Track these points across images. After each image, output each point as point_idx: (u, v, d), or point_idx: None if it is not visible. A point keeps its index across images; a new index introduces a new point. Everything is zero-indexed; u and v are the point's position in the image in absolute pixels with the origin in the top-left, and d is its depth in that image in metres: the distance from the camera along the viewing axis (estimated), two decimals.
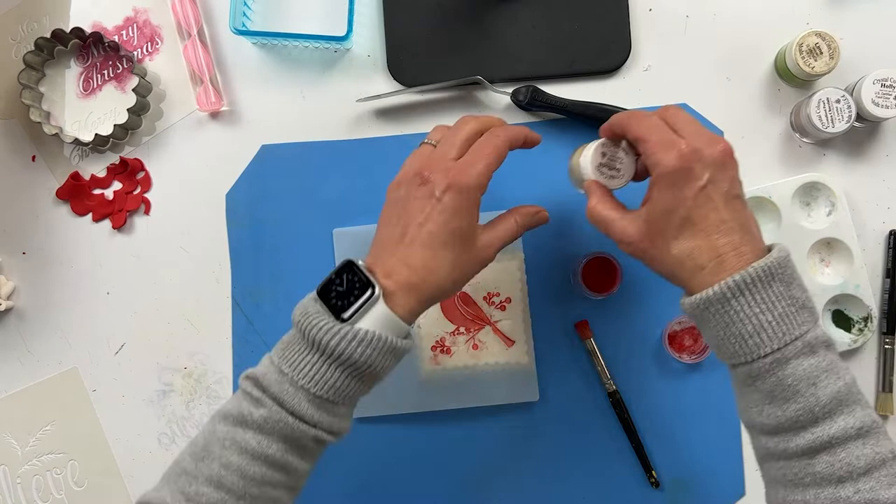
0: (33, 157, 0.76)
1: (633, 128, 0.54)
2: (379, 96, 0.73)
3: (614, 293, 0.71)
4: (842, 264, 0.72)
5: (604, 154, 0.58)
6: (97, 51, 0.76)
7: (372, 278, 0.52)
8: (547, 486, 0.73)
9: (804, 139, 0.74)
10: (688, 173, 0.50)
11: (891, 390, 0.72)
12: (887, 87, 0.68)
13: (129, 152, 0.76)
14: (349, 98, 0.74)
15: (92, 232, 0.75)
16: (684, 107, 0.73)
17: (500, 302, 0.72)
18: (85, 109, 0.76)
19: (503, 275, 0.72)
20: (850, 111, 0.68)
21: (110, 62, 0.76)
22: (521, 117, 0.74)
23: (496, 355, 0.71)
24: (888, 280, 0.72)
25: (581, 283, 0.70)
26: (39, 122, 0.73)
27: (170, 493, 0.50)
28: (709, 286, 0.49)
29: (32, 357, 0.75)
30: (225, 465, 0.50)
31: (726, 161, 0.51)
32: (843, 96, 0.68)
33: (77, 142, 0.74)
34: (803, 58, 0.69)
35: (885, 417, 0.72)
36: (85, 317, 0.75)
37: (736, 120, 0.74)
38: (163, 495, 0.50)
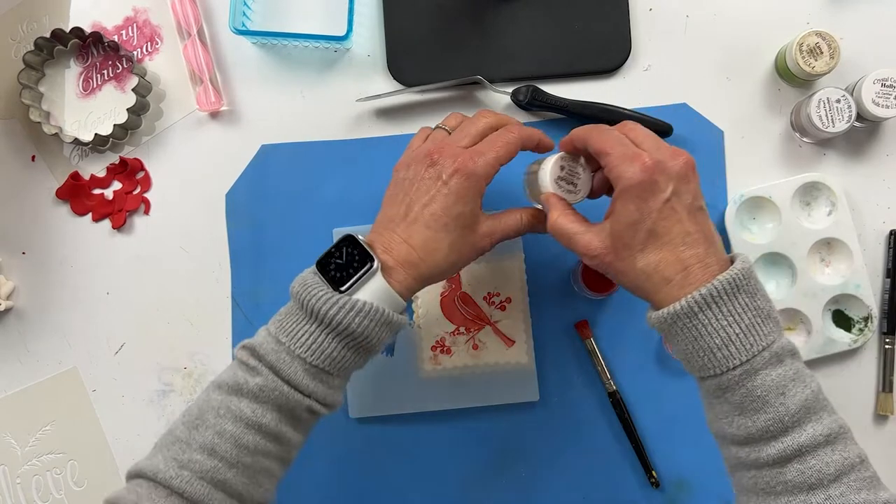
0: (33, 157, 0.76)
1: (594, 141, 0.54)
2: (379, 96, 0.73)
3: (614, 293, 0.71)
4: (842, 264, 0.72)
5: (562, 168, 0.57)
6: (97, 50, 0.76)
7: (371, 252, 0.53)
8: (547, 486, 0.73)
9: (804, 139, 0.74)
10: (652, 186, 0.50)
11: (891, 390, 0.72)
12: (887, 86, 0.68)
13: (128, 152, 0.76)
14: (349, 98, 0.74)
15: (92, 232, 0.75)
16: (684, 107, 0.74)
17: (500, 302, 0.72)
18: (85, 109, 0.76)
19: (503, 275, 0.72)
20: (850, 111, 0.68)
21: (110, 62, 0.76)
22: (521, 117, 0.74)
23: (496, 355, 0.71)
24: (888, 280, 0.72)
25: (581, 283, 0.70)
26: (39, 122, 0.73)
27: (163, 459, 0.50)
28: (676, 299, 0.49)
29: (32, 357, 0.75)
30: (219, 432, 0.51)
31: (688, 173, 0.51)
32: (844, 96, 0.68)
33: (77, 142, 0.74)
34: (803, 57, 0.69)
35: (885, 417, 0.73)
36: (85, 317, 0.75)
37: (736, 120, 0.74)
38: (155, 462, 0.50)
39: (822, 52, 0.69)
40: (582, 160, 0.58)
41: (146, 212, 0.75)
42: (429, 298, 0.72)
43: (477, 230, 0.56)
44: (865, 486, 0.46)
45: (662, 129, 0.72)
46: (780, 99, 0.74)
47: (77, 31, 0.74)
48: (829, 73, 0.69)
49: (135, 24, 0.76)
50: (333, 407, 0.55)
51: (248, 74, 0.76)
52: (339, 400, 0.55)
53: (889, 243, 0.73)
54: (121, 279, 0.75)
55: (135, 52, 0.75)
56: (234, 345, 0.74)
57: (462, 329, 0.72)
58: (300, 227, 0.74)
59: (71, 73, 0.76)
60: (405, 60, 0.74)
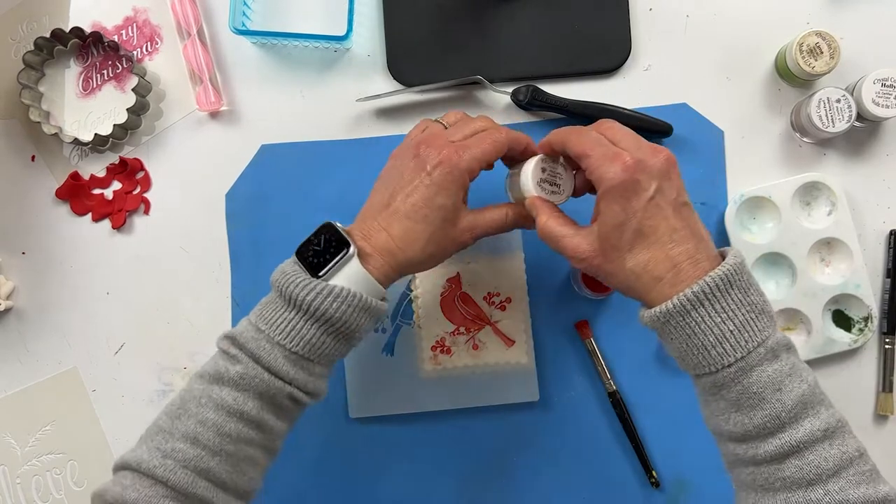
0: (33, 157, 0.76)
1: (573, 145, 0.54)
2: (379, 96, 0.73)
3: (614, 293, 0.71)
4: (842, 264, 0.72)
5: (543, 170, 0.57)
6: (97, 50, 0.76)
7: (348, 238, 0.53)
8: (547, 485, 0.73)
9: (804, 139, 0.74)
10: (635, 185, 0.50)
11: (891, 390, 0.72)
12: (888, 86, 0.68)
13: (128, 152, 0.76)
14: (349, 98, 0.74)
15: (91, 232, 0.75)
16: (684, 107, 0.73)
17: (500, 302, 0.72)
18: (84, 109, 0.76)
19: (503, 275, 0.72)
20: (850, 111, 0.68)
21: (110, 62, 0.76)
22: (521, 117, 0.74)
23: (496, 355, 0.71)
24: (888, 280, 0.72)
25: (581, 283, 0.70)
26: (39, 122, 0.73)
27: (146, 450, 0.51)
28: (667, 298, 0.49)
29: (32, 357, 0.75)
30: (201, 421, 0.51)
31: (670, 169, 0.51)
32: (844, 96, 0.68)
33: (76, 141, 0.74)
34: (804, 57, 0.69)
35: (885, 417, 0.73)
36: (85, 317, 0.75)
37: (736, 120, 0.74)
38: (139, 453, 0.51)
39: (822, 52, 0.69)
40: (562, 160, 0.58)
41: (146, 212, 0.75)
42: (429, 298, 0.72)
43: (458, 224, 0.56)
44: (864, 480, 0.46)
45: (662, 129, 0.72)
46: (780, 99, 0.74)
47: (77, 31, 0.74)
48: (829, 73, 0.69)
49: (135, 24, 0.76)
50: (317, 395, 0.55)
51: (248, 74, 0.75)
52: (322, 388, 0.55)
53: (889, 243, 0.73)
54: (121, 279, 0.75)
55: (135, 52, 0.75)
56: None
57: (462, 329, 0.72)
58: (300, 227, 0.72)
59: (71, 73, 0.76)
60: (405, 60, 0.74)
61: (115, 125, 0.73)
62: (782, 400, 0.47)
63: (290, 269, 0.53)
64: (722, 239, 0.72)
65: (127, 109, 0.72)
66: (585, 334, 0.72)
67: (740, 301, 0.48)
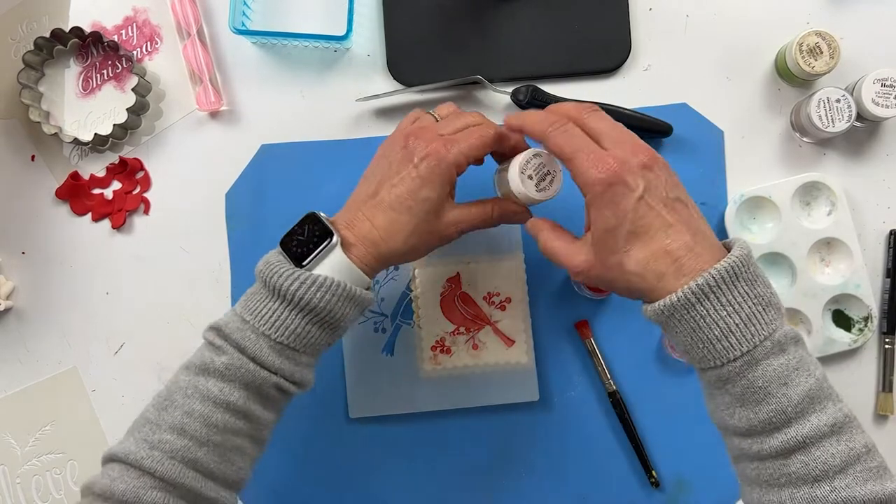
0: (32, 157, 0.76)
1: (553, 145, 0.52)
2: (379, 96, 0.73)
3: (614, 293, 0.71)
4: (842, 264, 0.72)
5: (531, 165, 0.56)
6: (96, 50, 0.76)
7: (332, 227, 0.54)
8: (547, 485, 0.73)
9: (804, 139, 0.74)
10: (622, 188, 0.49)
11: (891, 390, 0.72)
12: (887, 86, 0.68)
13: (128, 152, 0.76)
14: (349, 98, 0.74)
15: (91, 232, 0.75)
16: (684, 107, 0.73)
17: (500, 302, 0.72)
18: (84, 109, 0.76)
19: (503, 275, 0.72)
20: (850, 111, 0.68)
21: (110, 62, 0.76)
22: None
23: (496, 355, 0.71)
24: (888, 280, 0.72)
25: (581, 283, 0.70)
26: (39, 122, 0.73)
27: (134, 441, 0.51)
28: (672, 291, 0.48)
29: (32, 357, 0.75)
30: (188, 412, 0.51)
31: (655, 166, 0.50)
32: (844, 96, 0.68)
33: (76, 141, 0.74)
34: (803, 57, 0.69)
35: (885, 417, 0.73)
36: (85, 317, 0.75)
37: (736, 120, 0.74)
38: (127, 445, 0.51)
39: (822, 52, 0.69)
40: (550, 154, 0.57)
41: (146, 212, 0.75)
42: (429, 298, 0.72)
43: (443, 217, 0.56)
44: (872, 476, 0.45)
45: (662, 129, 0.72)
46: (780, 99, 0.74)
47: (77, 31, 0.74)
48: (829, 73, 0.69)
49: (134, 24, 0.76)
50: (303, 385, 0.55)
51: (248, 74, 0.75)
52: (308, 378, 0.56)
53: (889, 243, 0.73)
54: (121, 279, 0.75)
55: (134, 52, 0.75)
56: None
57: (462, 329, 0.72)
58: None
59: (71, 73, 0.76)
60: (405, 60, 0.74)
61: (114, 125, 0.73)
62: (788, 395, 0.46)
63: (273, 260, 0.54)
64: (722, 239, 0.72)
65: (127, 109, 0.72)
66: (585, 334, 0.73)
67: (747, 293, 0.47)
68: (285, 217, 0.76)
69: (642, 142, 0.51)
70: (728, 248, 0.50)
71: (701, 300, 0.47)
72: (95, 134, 0.73)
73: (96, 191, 0.75)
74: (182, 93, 0.75)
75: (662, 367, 0.73)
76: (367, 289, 0.56)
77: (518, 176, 0.56)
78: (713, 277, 0.47)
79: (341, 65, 0.75)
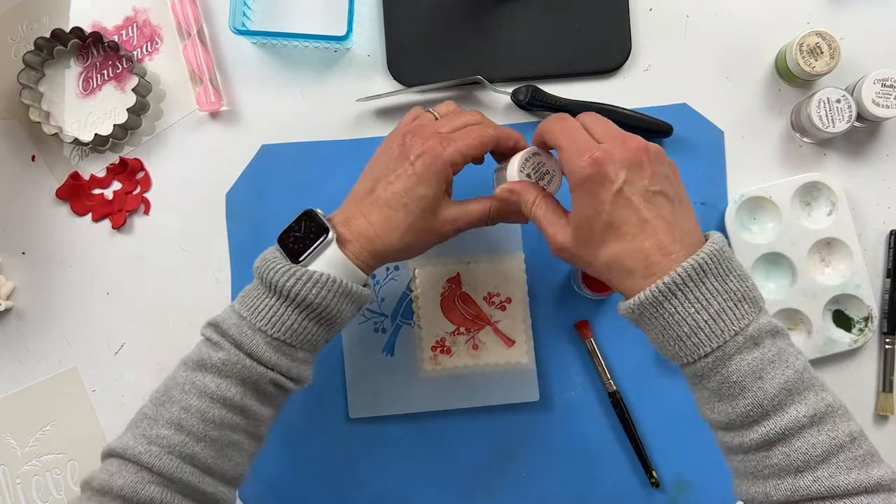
0: (33, 157, 0.76)
1: (549, 136, 0.54)
2: (379, 96, 0.73)
3: (614, 294, 0.71)
4: (842, 264, 0.72)
5: (530, 164, 0.57)
6: (97, 50, 0.76)
7: (328, 223, 0.54)
8: (547, 485, 0.73)
9: (804, 139, 0.74)
10: (601, 178, 0.49)
11: (891, 390, 0.72)
12: (888, 86, 0.68)
13: (128, 152, 0.76)
14: (349, 98, 0.74)
15: (91, 232, 0.75)
16: (684, 107, 0.73)
17: (500, 302, 0.72)
18: (84, 109, 0.76)
19: (503, 275, 0.72)
20: (850, 111, 0.68)
21: (110, 62, 0.76)
22: (521, 117, 0.74)
23: (496, 355, 0.71)
24: (888, 280, 0.72)
25: (581, 283, 0.70)
26: (39, 122, 0.73)
27: (132, 437, 0.52)
28: (641, 290, 0.48)
29: (32, 357, 0.75)
30: (185, 408, 0.51)
31: (641, 159, 0.50)
32: (844, 96, 0.68)
33: (77, 142, 0.74)
34: (804, 57, 0.69)
35: (885, 417, 0.73)
36: (85, 317, 0.75)
37: (736, 120, 0.74)
38: (125, 440, 0.52)
39: (822, 52, 0.69)
40: (552, 153, 0.57)
41: (146, 212, 0.75)
42: (429, 298, 0.72)
43: (439, 215, 0.56)
44: (857, 465, 0.45)
45: (662, 129, 0.72)
46: (780, 99, 0.74)
47: (77, 31, 0.74)
48: (829, 73, 0.69)
49: (135, 24, 0.76)
50: (301, 381, 0.56)
51: (248, 74, 0.75)
52: (306, 374, 0.56)
53: (889, 243, 0.73)
54: (121, 279, 0.75)
55: (135, 52, 0.75)
56: None
57: (462, 329, 0.72)
58: None
59: (71, 73, 0.76)
60: (405, 60, 0.74)
61: (115, 125, 0.73)
62: (764, 388, 0.46)
63: (270, 256, 0.54)
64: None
65: (127, 109, 0.72)
66: (585, 334, 0.72)
67: (716, 289, 0.47)
68: (285, 217, 0.76)
69: (638, 139, 0.51)
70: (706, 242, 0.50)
71: (668, 298, 0.47)
72: (96, 134, 0.73)
73: (96, 191, 0.75)
74: (182, 93, 0.75)
75: (662, 367, 0.73)
76: (365, 285, 0.56)
77: (517, 174, 0.56)
78: (679, 275, 0.47)
79: (341, 65, 0.75)
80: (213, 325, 0.54)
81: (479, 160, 0.59)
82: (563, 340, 0.73)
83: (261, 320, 0.53)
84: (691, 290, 0.47)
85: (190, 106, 0.75)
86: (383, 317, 0.73)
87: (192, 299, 0.74)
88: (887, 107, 0.68)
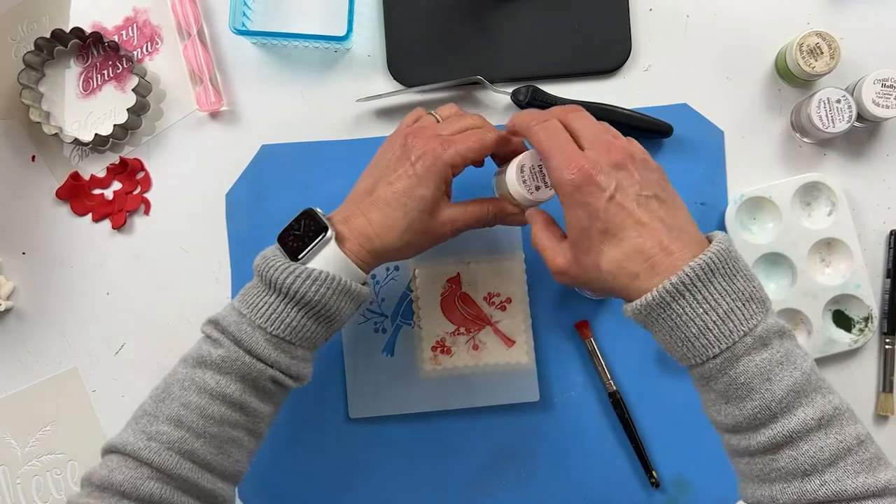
0: (33, 157, 0.76)
1: (535, 140, 0.54)
2: (379, 96, 0.73)
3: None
4: (842, 264, 0.72)
5: (529, 168, 0.57)
6: (97, 51, 0.76)
7: (327, 222, 0.54)
8: (547, 485, 0.73)
9: (805, 139, 0.74)
10: (591, 188, 0.49)
11: (891, 390, 0.72)
12: (888, 86, 0.68)
13: (128, 152, 0.76)
14: (349, 98, 0.74)
15: (92, 232, 0.75)
16: (684, 107, 0.73)
17: (501, 302, 0.72)
18: (85, 109, 0.76)
19: (503, 275, 0.72)
20: (850, 111, 0.68)
21: (110, 62, 0.76)
22: None
23: (496, 355, 0.71)
24: (888, 280, 0.72)
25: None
26: (39, 122, 0.73)
27: (132, 433, 0.52)
28: (647, 291, 0.48)
29: (32, 357, 0.75)
30: (185, 404, 0.52)
31: (627, 164, 0.50)
32: (844, 96, 0.68)
33: (77, 142, 0.74)
34: (804, 58, 0.69)
35: (885, 417, 0.73)
36: (85, 317, 0.75)
37: (736, 120, 0.74)
38: (125, 436, 0.52)
39: (822, 52, 0.69)
40: None
41: (146, 212, 0.75)
42: (429, 298, 0.72)
43: (438, 216, 0.57)
44: (864, 468, 0.45)
45: (662, 130, 0.72)
46: (780, 99, 0.74)
47: (77, 32, 0.74)
48: (829, 73, 0.69)
49: (135, 24, 0.76)
50: (300, 379, 0.56)
51: (248, 74, 0.75)
52: (305, 372, 0.56)
53: (889, 243, 0.73)
54: (121, 279, 0.75)
55: (135, 52, 0.75)
56: None
57: (462, 329, 0.72)
58: None
59: (71, 74, 0.76)
60: (405, 60, 0.74)
61: (115, 125, 0.73)
62: (772, 390, 0.46)
63: (270, 254, 0.54)
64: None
65: (127, 109, 0.72)
66: (585, 334, 0.72)
67: (724, 289, 0.47)
68: (285, 217, 0.76)
69: (621, 141, 0.52)
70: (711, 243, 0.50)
71: (676, 298, 0.47)
72: (96, 134, 0.73)
73: (97, 191, 0.75)
74: (182, 93, 0.75)
75: (663, 367, 0.73)
76: (364, 284, 0.56)
77: (516, 178, 0.57)
78: (687, 275, 0.46)
79: (341, 65, 0.75)
80: (213, 322, 0.55)
81: (479, 163, 0.59)
82: (563, 340, 0.73)
83: (260, 317, 0.53)
84: (699, 291, 0.47)
85: (190, 106, 0.75)
86: (383, 317, 0.73)
87: (192, 299, 0.74)
88: (887, 107, 0.68)
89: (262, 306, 0.53)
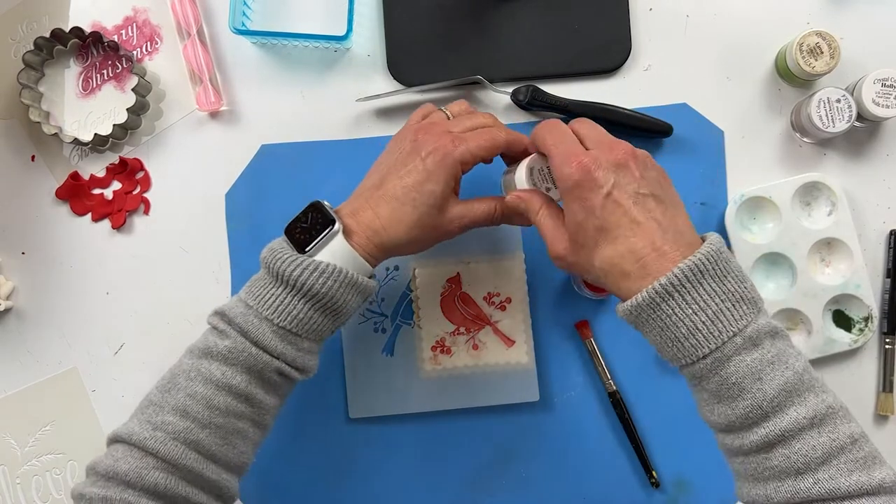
0: (33, 157, 0.76)
1: (541, 142, 0.55)
2: (379, 96, 0.73)
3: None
4: (842, 264, 0.72)
5: (537, 169, 0.57)
6: (97, 50, 0.76)
7: (334, 215, 0.55)
8: (547, 486, 0.73)
9: (805, 139, 0.74)
10: (590, 183, 0.50)
11: (891, 390, 0.72)
12: (888, 86, 0.68)
13: (128, 152, 0.76)
14: (349, 98, 0.74)
15: (91, 232, 0.75)
16: (684, 107, 0.73)
17: (500, 302, 0.72)
18: (84, 109, 0.76)
19: (503, 275, 0.72)
20: (850, 111, 0.68)
21: (110, 62, 0.76)
22: (522, 117, 0.74)
23: (496, 355, 0.71)
24: (888, 280, 0.72)
25: (581, 283, 0.70)
26: (39, 122, 0.73)
27: (137, 423, 0.52)
28: (637, 292, 0.48)
29: (32, 357, 0.75)
30: (190, 394, 0.52)
31: (629, 162, 0.51)
32: (844, 96, 0.68)
33: (76, 141, 0.74)
34: (804, 57, 0.69)
35: (885, 417, 0.73)
36: (85, 317, 0.75)
37: (736, 120, 0.74)
38: (131, 426, 0.52)
39: (822, 52, 0.69)
40: None
41: (146, 212, 0.75)
42: (429, 298, 0.72)
43: (446, 212, 0.57)
44: (858, 467, 0.45)
45: (662, 130, 0.72)
46: (780, 99, 0.74)
47: (77, 31, 0.74)
48: (829, 73, 0.69)
49: (134, 24, 0.76)
50: (306, 371, 0.56)
51: (248, 74, 0.75)
52: (310, 364, 0.56)
53: (889, 243, 0.73)
54: (121, 279, 0.75)
55: (134, 52, 0.75)
56: None
57: (462, 329, 0.72)
58: None
59: (71, 73, 0.76)
60: (405, 60, 0.74)
61: (114, 125, 0.73)
62: (763, 389, 0.46)
63: (277, 247, 0.55)
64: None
65: (127, 109, 0.72)
66: (585, 334, 0.72)
67: (714, 290, 0.47)
68: (285, 217, 0.76)
69: (624, 143, 0.52)
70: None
71: (665, 299, 0.47)
72: (95, 134, 0.73)
73: (96, 191, 0.75)
74: (182, 93, 0.75)
75: (663, 367, 0.73)
76: (371, 277, 0.56)
77: (525, 178, 0.57)
78: (676, 277, 0.47)
79: (341, 65, 0.75)
80: (220, 313, 0.55)
81: (488, 161, 0.59)
82: (563, 340, 0.73)
83: (267, 309, 0.53)
84: (688, 292, 0.47)
85: (190, 106, 0.75)
86: (383, 317, 0.73)
87: (191, 299, 0.74)
88: (887, 107, 0.68)
89: (269, 298, 0.53)
